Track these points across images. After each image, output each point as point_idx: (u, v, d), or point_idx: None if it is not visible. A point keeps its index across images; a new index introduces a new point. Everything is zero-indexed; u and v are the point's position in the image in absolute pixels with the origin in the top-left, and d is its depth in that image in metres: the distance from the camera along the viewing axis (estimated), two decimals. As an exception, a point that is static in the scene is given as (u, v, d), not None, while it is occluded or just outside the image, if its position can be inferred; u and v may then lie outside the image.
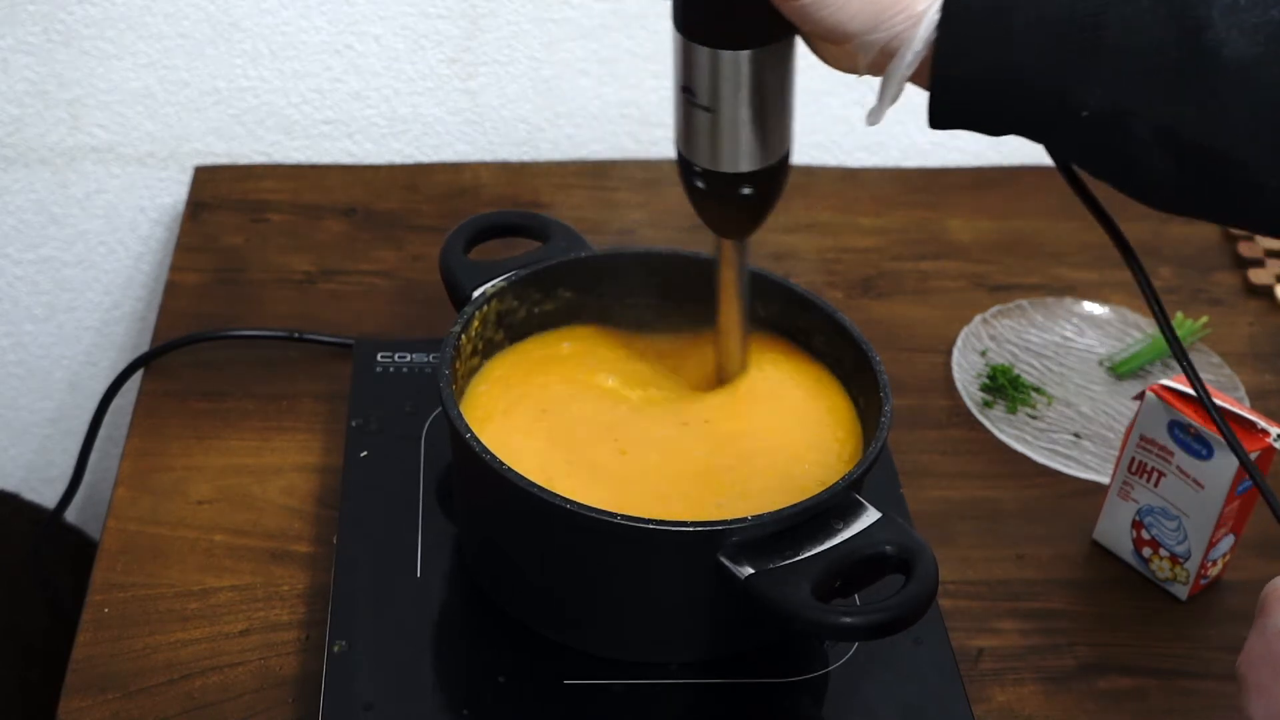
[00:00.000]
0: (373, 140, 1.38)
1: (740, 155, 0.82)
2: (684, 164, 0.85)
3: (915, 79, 0.73)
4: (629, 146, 1.41)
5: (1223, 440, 0.93)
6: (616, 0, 1.33)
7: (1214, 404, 0.81)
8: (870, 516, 0.81)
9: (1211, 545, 0.97)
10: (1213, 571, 0.99)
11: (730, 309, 0.91)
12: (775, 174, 0.84)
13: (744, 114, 0.80)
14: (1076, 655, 0.96)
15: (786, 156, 0.84)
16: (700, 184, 0.84)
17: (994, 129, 0.74)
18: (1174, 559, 0.99)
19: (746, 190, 0.83)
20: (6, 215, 1.37)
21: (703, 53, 0.79)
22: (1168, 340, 0.81)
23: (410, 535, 0.93)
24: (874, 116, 0.76)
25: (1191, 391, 0.95)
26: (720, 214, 0.87)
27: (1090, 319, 1.25)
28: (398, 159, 1.39)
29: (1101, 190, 1.47)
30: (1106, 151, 0.71)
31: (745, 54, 0.78)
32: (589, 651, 0.87)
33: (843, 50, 0.75)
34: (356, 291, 1.22)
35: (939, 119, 0.74)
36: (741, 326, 0.93)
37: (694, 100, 0.81)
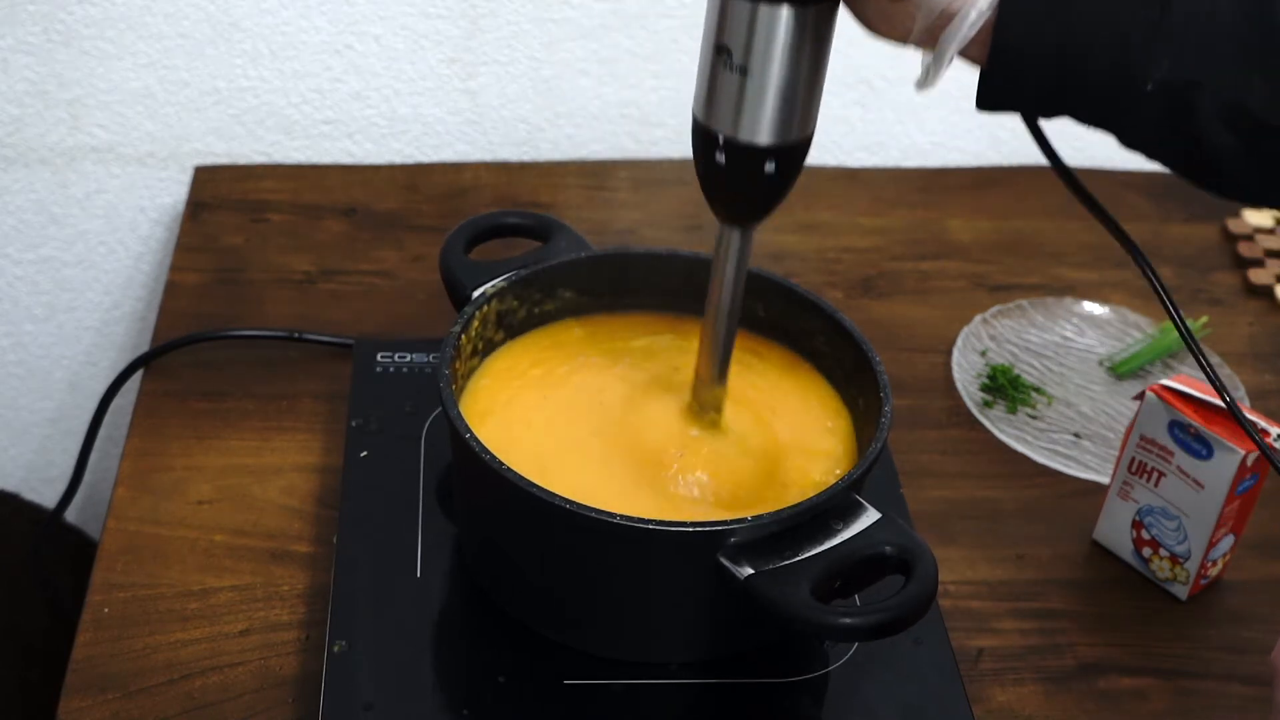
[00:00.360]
0: (373, 140, 1.38)
1: (771, 126, 0.78)
2: (704, 137, 0.80)
3: (967, 52, 0.71)
4: (629, 146, 1.41)
5: (1222, 440, 0.93)
6: (616, 0, 1.33)
7: (1221, 386, 0.81)
8: (870, 517, 0.81)
9: (1211, 545, 0.97)
10: (1213, 571, 0.99)
11: (724, 311, 0.87)
12: (799, 152, 0.80)
13: (781, 79, 0.76)
14: (1076, 655, 0.96)
15: (811, 137, 0.80)
16: (720, 157, 0.79)
17: (1047, 107, 0.72)
18: (1174, 559, 0.99)
19: (770, 166, 0.79)
20: (6, 215, 1.37)
21: (744, 7, 0.75)
22: (1176, 325, 0.80)
23: (410, 535, 0.93)
24: (924, 84, 0.73)
25: (1191, 391, 0.95)
26: (735, 194, 0.82)
27: (1090, 319, 1.25)
28: (398, 159, 1.40)
29: (1102, 189, 1.47)
30: (1170, 129, 0.69)
31: (789, 10, 0.74)
32: (589, 651, 0.87)
33: (899, 9, 0.72)
34: (356, 291, 1.22)
35: (990, 94, 0.71)
36: (731, 333, 0.88)
37: (729, 61, 0.76)
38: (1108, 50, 0.68)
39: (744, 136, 0.78)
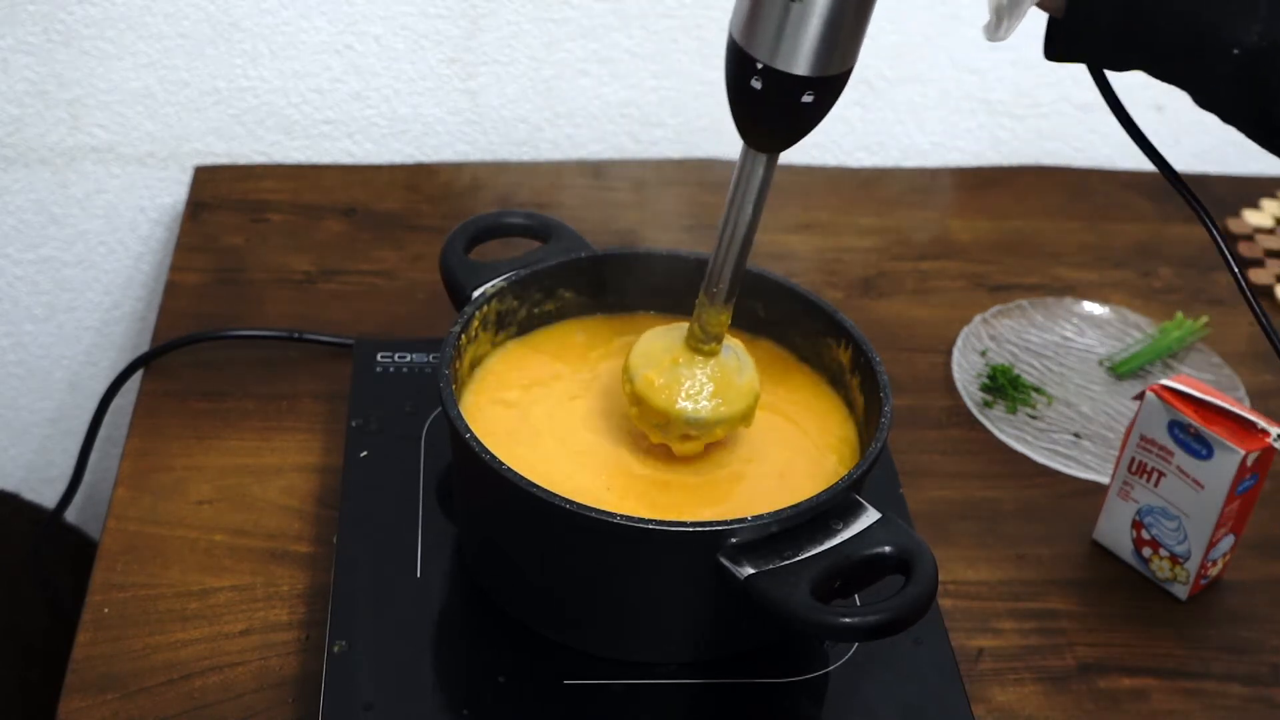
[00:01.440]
0: (373, 140, 1.38)
1: (814, 56, 0.74)
2: (740, 61, 0.76)
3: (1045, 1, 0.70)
4: (629, 146, 1.41)
5: (1222, 440, 0.93)
6: (616, 0, 1.33)
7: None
8: (870, 517, 0.81)
9: (1211, 545, 0.97)
10: (1213, 571, 1.00)
11: (738, 236, 0.83)
12: (840, 84, 0.77)
13: (830, 6, 0.73)
14: (1076, 655, 0.96)
15: (852, 69, 0.77)
16: (757, 84, 0.75)
17: (1120, 61, 0.71)
18: (1174, 559, 0.99)
19: (808, 98, 0.75)
20: (6, 215, 1.37)
21: None
22: (1245, 296, 0.80)
23: (410, 535, 0.93)
24: (997, 34, 0.72)
25: (1191, 391, 0.95)
26: (768, 121, 0.78)
27: (1090, 319, 1.25)
28: (398, 159, 1.39)
29: (1102, 189, 1.47)
30: (1251, 91, 0.68)
31: None
32: (589, 651, 0.87)
33: None
34: (356, 291, 1.22)
35: (1061, 43, 0.70)
36: (743, 258, 0.85)
37: None
38: (1196, 8, 0.67)
39: (784, 65, 0.75)
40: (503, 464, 0.81)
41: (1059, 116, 1.42)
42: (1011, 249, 1.34)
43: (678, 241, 1.29)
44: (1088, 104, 1.39)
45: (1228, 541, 0.98)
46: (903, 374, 1.16)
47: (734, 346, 0.90)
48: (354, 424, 1.01)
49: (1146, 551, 1.00)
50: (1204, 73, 0.69)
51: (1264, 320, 0.79)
